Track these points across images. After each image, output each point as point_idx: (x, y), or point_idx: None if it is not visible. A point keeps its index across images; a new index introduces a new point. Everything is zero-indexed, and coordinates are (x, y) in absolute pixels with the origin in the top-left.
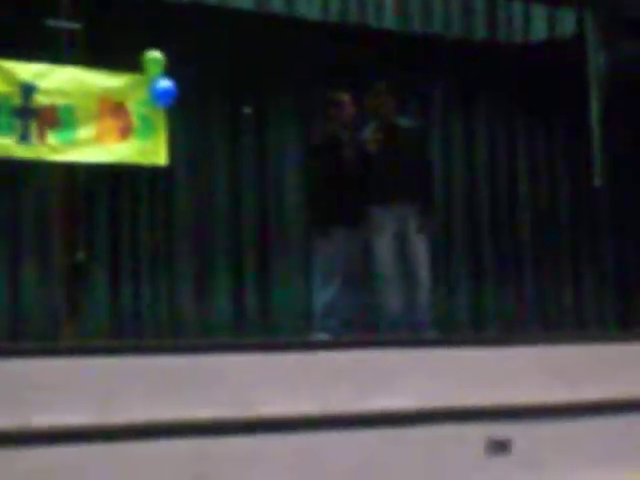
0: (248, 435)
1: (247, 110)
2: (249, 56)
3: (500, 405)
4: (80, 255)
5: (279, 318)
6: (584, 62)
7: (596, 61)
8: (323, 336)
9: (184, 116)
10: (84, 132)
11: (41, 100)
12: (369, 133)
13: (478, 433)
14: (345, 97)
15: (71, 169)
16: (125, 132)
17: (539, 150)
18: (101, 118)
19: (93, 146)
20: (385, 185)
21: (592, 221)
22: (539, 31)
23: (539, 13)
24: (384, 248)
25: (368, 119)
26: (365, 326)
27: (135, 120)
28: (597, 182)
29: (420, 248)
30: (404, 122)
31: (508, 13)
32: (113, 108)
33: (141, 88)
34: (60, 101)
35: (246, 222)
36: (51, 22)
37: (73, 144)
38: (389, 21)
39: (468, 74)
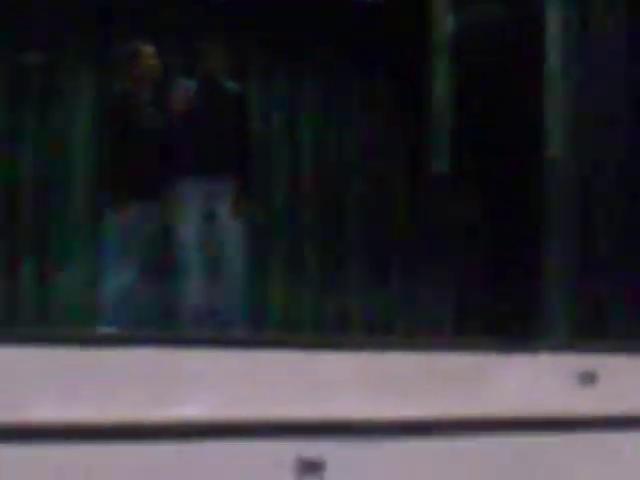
0: (14, 443)
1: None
2: None
3: (314, 420)
4: None
5: (59, 306)
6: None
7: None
8: (111, 330)
9: None
10: None
11: None
12: (177, 90)
13: (288, 451)
14: (146, 48)
15: None
16: None
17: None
18: None
19: None
20: (194, 154)
21: (430, 214)
22: None
23: None
24: (188, 230)
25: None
26: (163, 321)
27: None
28: (434, 167)
29: (233, 234)
30: (230, 85)
31: None
32: None
33: None
34: None
35: (24, 191)
36: None
37: None
38: None
39: (294, 32)
